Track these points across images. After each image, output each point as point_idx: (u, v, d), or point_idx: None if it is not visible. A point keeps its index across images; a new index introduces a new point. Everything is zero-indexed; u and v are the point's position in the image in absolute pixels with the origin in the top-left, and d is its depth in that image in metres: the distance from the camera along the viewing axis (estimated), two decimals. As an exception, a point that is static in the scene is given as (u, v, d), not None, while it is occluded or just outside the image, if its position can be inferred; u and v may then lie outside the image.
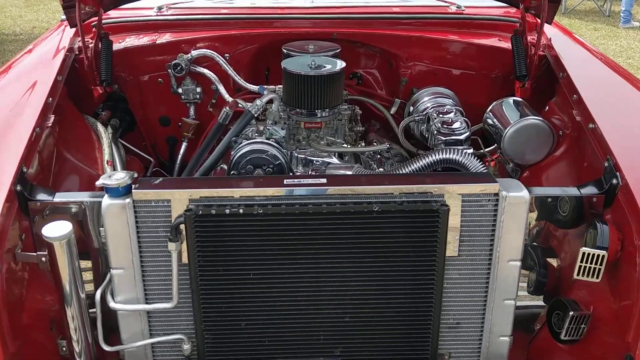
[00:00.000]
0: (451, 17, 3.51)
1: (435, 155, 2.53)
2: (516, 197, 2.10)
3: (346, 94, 3.25)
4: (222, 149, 2.60)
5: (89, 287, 2.38)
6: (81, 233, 2.27)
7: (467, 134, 2.96)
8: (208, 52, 3.30)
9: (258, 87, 2.86)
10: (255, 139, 2.54)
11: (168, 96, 3.42)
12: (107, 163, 2.99)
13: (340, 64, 2.87)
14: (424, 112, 3.23)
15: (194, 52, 3.30)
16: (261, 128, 2.78)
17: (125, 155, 3.35)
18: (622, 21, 11.29)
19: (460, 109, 3.14)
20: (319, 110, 2.83)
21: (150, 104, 3.50)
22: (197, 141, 3.47)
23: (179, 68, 3.26)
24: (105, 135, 3.13)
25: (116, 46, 3.33)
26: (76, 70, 3.14)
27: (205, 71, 3.32)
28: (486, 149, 3.18)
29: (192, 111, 3.47)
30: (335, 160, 2.87)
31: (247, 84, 3.29)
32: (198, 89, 3.40)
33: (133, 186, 2.09)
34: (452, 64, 3.44)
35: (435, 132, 2.97)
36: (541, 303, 2.53)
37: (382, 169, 2.91)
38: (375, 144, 3.18)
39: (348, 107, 3.11)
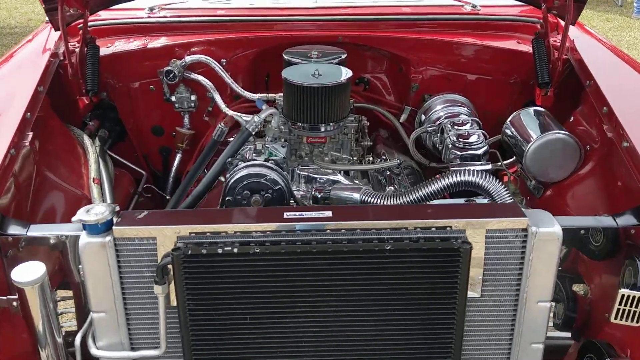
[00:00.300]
0: (466, 18, 3.24)
1: (452, 177, 2.28)
2: (547, 233, 1.85)
3: (352, 101, 3.00)
4: (216, 171, 2.36)
5: (72, 323, 2.16)
6: (62, 262, 2.04)
7: (485, 148, 2.71)
8: (203, 57, 3.05)
9: (256, 99, 2.61)
10: (252, 159, 2.29)
11: (160, 104, 3.18)
12: (94, 181, 2.75)
13: (347, 73, 2.62)
14: (437, 122, 2.99)
15: (188, 58, 3.06)
16: (259, 146, 2.54)
17: (115, 168, 3.11)
18: (635, 11, 10.95)
19: (477, 119, 2.88)
20: (323, 125, 2.59)
21: (142, 113, 3.25)
22: (192, 152, 3.24)
23: (171, 75, 3.02)
24: (92, 149, 2.89)
25: (104, 51, 3.08)
26: (60, 78, 2.90)
27: (200, 78, 3.08)
28: (504, 162, 2.93)
29: (186, 120, 3.23)
30: (340, 177, 2.62)
31: (245, 91, 3.05)
32: (193, 97, 3.16)
33: (115, 220, 1.85)
34: (466, 69, 3.18)
35: (450, 145, 2.72)
36: (568, 334, 2.30)
37: (392, 187, 2.67)
38: (383, 157, 2.94)
39: (354, 118, 2.86)
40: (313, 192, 2.51)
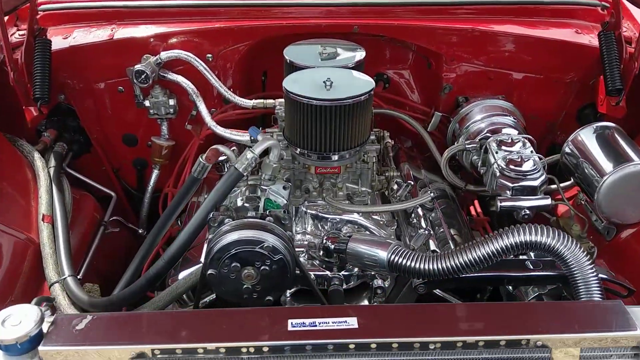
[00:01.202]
0: (511, 2, 2.59)
1: (515, 237, 1.68)
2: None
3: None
4: (193, 228, 1.76)
5: None
6: None
7: (543, 178, 2.11)
8: (182, 53, 2.42)
9: (250, 128, 1.99)
10: (243, 212, 1.69)
11: (133, 109, 2.56)
12: (44, 219, 2.16)
13: (368, 84, 2.00)
14: (478, 137, 2.38)
15: (164, 54, 2.43)
16: (253, 189, 1.92)
17: (76, 190, 2.52)
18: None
19: (529, 136, 2.27)
20: (337, 153, 1.98)
21: (110, 120, 2.64)
22: (173, 166, 2.64)
23: (143, 77, 2.39)
24: (43, 173, 2.29)
25: (59, 43, 2.45)
26: (3, 80, 2.29)
27: (180, 79, 2.46)
28: (561, 184, 2.34)
29: (164, 129, 2.61)
30: (359, 218, 2.04)
31: (236, 96, 2.43)
32: (171, 102, 2.54)
33: (46, 327, 1.29)
34: (512, 66, 2.56)
35: (498, 173, 2.12)
36: None
37: (426, 231, 2.08)
38: (410, 183, 2.33)
39: (376, 135, 2.25)
40: (324, 241, 1.92)
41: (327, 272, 1.96)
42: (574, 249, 1.68)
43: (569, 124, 2.68)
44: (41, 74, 2.30)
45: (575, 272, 1.67)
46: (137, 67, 2.39)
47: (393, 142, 2.63)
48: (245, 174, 1.78)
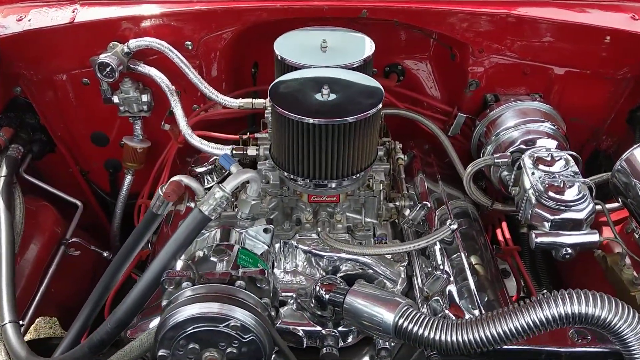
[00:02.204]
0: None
1: (558, 306, 1.30)
2: None
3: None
4: (144, 290, 1.37)
5: None
6: None
7: (590, 208, 1.70)
8: (154, 42, 2.02)
9: (222, 154, 1.58)
10: (207, 270, 1.31)
11: (101, 103, 2.17)
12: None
13: (376, 96, 1.58)
14: (510, 150, 1.97)
15: (132, 42, 2.02)
16: (224, 235, 1.52)
17: (34, 199, 2.16)
18: None
19: (575, 154, 1.86)
20: (335, 180, 1.59)
21: (75, 116, 2.26)
22: (148, 171, 2.26)
23: (108, 69, 1.99)
24: None
25: (12, 26, 2.06)
26: None
27: (153, 72, 2.06)
28: (608, 205, 1.94)
29: (137, 128, 2.23)
30: (365, 258, 1.67)
31: (219, 93, 2.02)
32: (145, 97, 2.14)
33: None
34: (552, 58, 2.13)
35: (534, 200, 1.71)
36: None
37: (444, 274, 1.69)
38: (425, 204, 1.94)
39: (385, 147, 1.85)
40: (317, 289, 1.55)
41: (320, 329, 1.60)
42: (637, 325, 1.29)
43: (617, 128, 2.26)
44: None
45: (637, 355, 1.29)
46: (101, 57, 1.99)
47: (412, 153, 2.23)
48: (212, 217, 1.39)
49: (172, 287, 1.29)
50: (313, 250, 1.69)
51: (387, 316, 1.44)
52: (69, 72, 2.14)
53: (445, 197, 2.05)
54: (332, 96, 1.57)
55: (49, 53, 2.10)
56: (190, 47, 2.08)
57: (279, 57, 1.78)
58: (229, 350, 1.24)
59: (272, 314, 1.32)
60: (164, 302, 1.30)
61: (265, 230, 1.52)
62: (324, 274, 1.73)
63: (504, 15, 2.04)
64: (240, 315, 1.22)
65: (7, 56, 2.08)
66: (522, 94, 2.18)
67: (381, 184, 1.66)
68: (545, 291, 1.99)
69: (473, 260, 1.88)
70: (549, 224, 1.71)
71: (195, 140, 1.88)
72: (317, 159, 1.55)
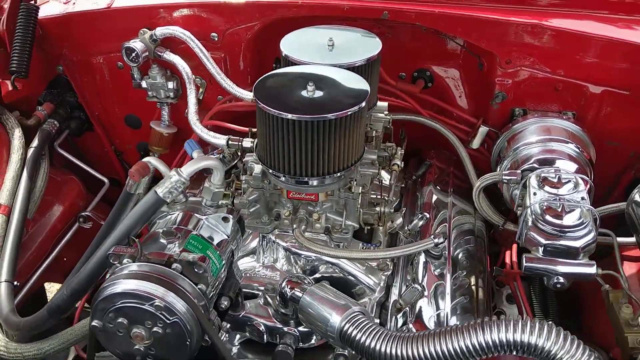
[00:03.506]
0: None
1: (496, 332, 1.22)
2: None
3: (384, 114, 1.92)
4: (97, 262, 1.42)
5: None
6: None
7: (590, 237, 1.57)
8: (178, 31, 2.08)
9: (187, 141, 1.60)
10: (151, 250, 1.33)
11: (134, 88, 2.26)
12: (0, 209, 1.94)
13: (360, 95, 1.54)
14: (522, 168, 1.87)
15: (159, 30, 2.10)
16: (184, 219, 1.54)
17: (64, 172, 2.30)
18: None
19: (586, 177, 1.72)
20: (316, 178, 1.56)
21: (111, 98, 2.37)
22: (174, 155, 2.32)
23: (133, 54, 2.08)
24: (17, 155, 2.07)
25: (54, 10, 2.20)
26: None
27: (177, 60, 2.12)
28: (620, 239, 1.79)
29: (164, 114, 2.30)
30: (343, 262, 1.64)
31: (235, 86, 2.05)
32: (170, 84, 2.21)
33: None
34: (588, 76, 1.98)
35: (530, 222, 1.61)
36: None
37: (420, 287, 1.63)
38: (425, 215, 1.87)
39: (387, 152, 1.80)
40: (283, 285, 1.54)
41: (281, 326, 1.58)
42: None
43: (660, 157, 2.07)
44: (20, 44, 2.05)
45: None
46: (129, 43, 2.08)
47: (428, 163, 2.16)
48: (168, 200, 1.41)
49: (116, 262, 1.33)
50: (291, 248, 1.68)
51: (335, 319, 1.41)
52: (105, 55, 2.25)
53: (451, 211, 1.97)
54: (318, 93, 1.55)
55: (87, 35, 2.22)
56: (215, 39, 2.12)
57: (283, 54, 1.78)
58: (154, 329, 1.25)
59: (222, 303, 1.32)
60: (108, 276, 1.34)
61: (225, 219, 1.52)
62: (301, 272, 1.72)
63: (534, 26, 1.93)
64: (166, 296, 1.24)
65: (51, 36, 2.22)
66: (553, 111, 2.05)
67: (361, 187, 1.61)
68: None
69: (472, 280, 1.79)
70: (542, 249, 1.60)
71: (197, 129, 1.92)
72: (295, 155, 1.53)
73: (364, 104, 1.52)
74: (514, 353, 1.23)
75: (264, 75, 1.63)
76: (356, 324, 1.37)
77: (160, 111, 2.30)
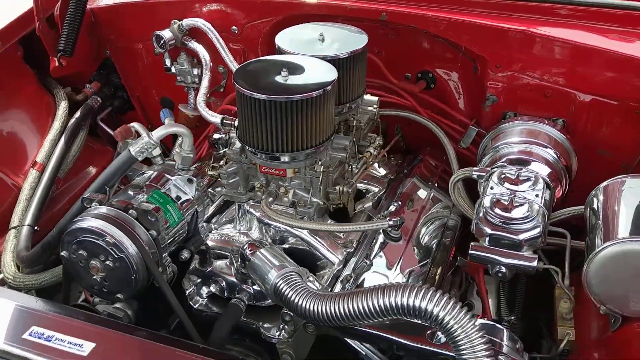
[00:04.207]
0: (596, 3, 2.03)
1: (385, 298, 1.35)
2: None
3: (378, 112, 2.07)
4: (77, 208, 1.67)
5: None
6: None
7: (535, 232, 1.65)
8: (200, 22, 2.32)
9: (162, 110, 1.82)
10: (119, 198, 1.56)
11: (165, 73, 2.53)
12: (34, 166, 2.25)
13: (327, 80, 1.71)
14: (494, 164, 1.95)
15: (185, 21, 2.35)
16: (157, 178, 1.75)
17: (97, 144, 2.60)
18: None
19: (546, 179, 1.79)
20: (287, 154, 1.74)
21: (148, 81, 2.65)
22: (198, 136, 2.57)
23: (161, 42, 2.35)
24: (58, 122, 2.38)
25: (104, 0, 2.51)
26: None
27: (199, 49, 2.37)
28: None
29: (191, 98, 2.55)
30: (304, 232, 1.80)
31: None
32: (195, 71, 2.46)
33: None
34: (577, 84, 2.03)
35: (481, 214, 1.70)
36: None
37: (367, 262, 1.76)
38: (398, 203, 2.00)
39: (350, 143, 1.93)
40: (244, 247, 1.72)
41: (239, 283, 1.77)
42: (466, 324, 1.29)
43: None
44: (69, 27, 2.37)
45: (462, 351, 1.29)
46: (159, 31, 2.35)
47: (420, 158, 2.28)
48: (139, 158, 1.64)
49: (88, 205, 1.56)
50: (263, 219, 1.86)
51: (272, 276, 1.57)
52: (145, 42, 2.53)
53: (427, 203, 2.08)
54: (291, 78, 1.73)
55: (131, 24, 2.51)
56: (235, 32, 2.35)
57: (276, 46, 1.97)
58: (106, 262, 1.48)
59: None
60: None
61: (189, 181, 1.72)
62: (269, 241, 1.89)
63: (521, 33, 2.01)
64: (118, 235, 1.46)
65: (101, 23, 2.53)
66: (544, 117, 2.10)
67: (323, 167, 1.76)
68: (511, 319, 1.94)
69: (420, 266, 1.90)
70: (488, 238, 1.69)
71: (200, 107, 2.15)
72: (266, 133, 1.71)
73: (329, 88, 1.68)
74: (408, 318, 1.35)
75: (247, 62, 1.82)
76: (288, 282, 1.53)
77: (188, 95, 2.55)
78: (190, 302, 1.80)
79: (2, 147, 2.25)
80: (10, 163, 2.24)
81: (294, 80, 1.72)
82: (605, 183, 1.74)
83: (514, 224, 1.66)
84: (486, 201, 1.71)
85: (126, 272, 1.48)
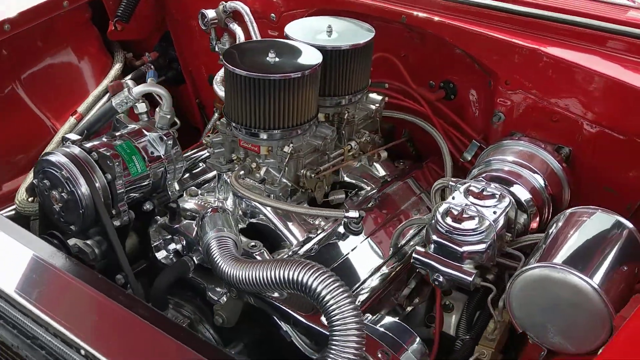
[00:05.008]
0: (620, 31, 1.92)
1: (276, 270, 1.40)
2: None
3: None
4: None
5: None
6: None
7: (478, 248, 1.62)
8: (239, 5, 2.46)
9: (150, 70, 1.93)
10: (92, 142, 1.72)
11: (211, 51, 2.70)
12: (74, 114, 2.48)
13: (309, 66, 1.78)
14: (479, 177, 1.91)
15: (229, 3, 2.49)
16: (136, 134, 1.86)
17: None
18: None
19: (512, 200, 1.73)
20: (264, 131, 1.82)
21: (200, 57, 2.84)
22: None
23: (205, 20, 2.51)
24: (106, 81, 2.62)
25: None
26: None
27: (238, 31, 2.50)
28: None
29: (229, 78, 2.70)
30: (269, 211, 1.87)
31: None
32: (234, 51, 2.60)
33: None
34: (582, 111, 1.93)
35: (434, 221, 1.69)
36: None
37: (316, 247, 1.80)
38: (373, 199, 2.01)
39: (332, 134, 1.97)
40: (207, 211, 1.81)
41: (196, 242, 1.86)
42: (341, 298, 1.32)
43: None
44: (128, -5, 2.61)
45: (335, 326, 1.32)
46: (204, 10, 2.51)
47: (422, 164, 2.27)
48: (118, 109, 1.79)
49: (65, 143, 1.74)
50: (236, 189, 1.95)
51: (209, 235, 1.66)
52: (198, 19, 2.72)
53: (412, 206, 2.08)
54: (278, 60, 1.81)
55: (187, 1, 2.70)
56: (273, 19, 2.46)
57: (285, 35, 2.05)
58: (62, 194, 1.64)
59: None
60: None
61: (160, 138, 1.84)
62: (240, 213, 1.98)
63: (532, 51, 1.95)
64: (72, 170, 1.61)
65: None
66: (550, 142, 2.02)
67: (291, 149, 1.82)
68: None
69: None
70: (433, 245, 1.67)
71: (215, 84, 2.28)
72: (245, 109, 1.81)
73: (307, 72, 1.75)
74: (292, 290, 1.39)
75: (244, 41, 1.93)
76: (219, 243, 1.61)
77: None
78: (156, 254, 1.92)
79: (51, 93, 2.51)
80: (54, 108, 2.50)
81: (280, 62, 1.81)
82: (571, 210, 1.66)
83: (459, 235, 1.63)
84: (440, 209, 1.69)
85: (76, 206, 1.64)
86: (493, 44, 2.01)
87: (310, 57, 1.84)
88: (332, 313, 1.32)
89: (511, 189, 1.85)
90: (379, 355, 1.41)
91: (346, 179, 2.18)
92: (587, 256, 1.47)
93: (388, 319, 1.60)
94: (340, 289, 1.34)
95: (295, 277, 1.37)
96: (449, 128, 2.27)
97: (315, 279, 1.35)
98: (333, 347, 1.29)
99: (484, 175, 1.90)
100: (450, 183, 1.89)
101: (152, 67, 2.82)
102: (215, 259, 1.57)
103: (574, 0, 2.05)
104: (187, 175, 2.21)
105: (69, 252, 1.79)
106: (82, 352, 1.18)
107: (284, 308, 1.55)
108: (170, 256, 1.95)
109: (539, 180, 1.89)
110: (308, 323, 1.50)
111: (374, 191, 2.13)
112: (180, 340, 1.22)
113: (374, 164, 2.24)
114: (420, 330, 1.81)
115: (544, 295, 1.42)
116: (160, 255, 1.93)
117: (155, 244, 1.92)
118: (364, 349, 1.30)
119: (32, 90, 2.45)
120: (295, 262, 1.39)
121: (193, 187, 2.05)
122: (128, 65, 2.82)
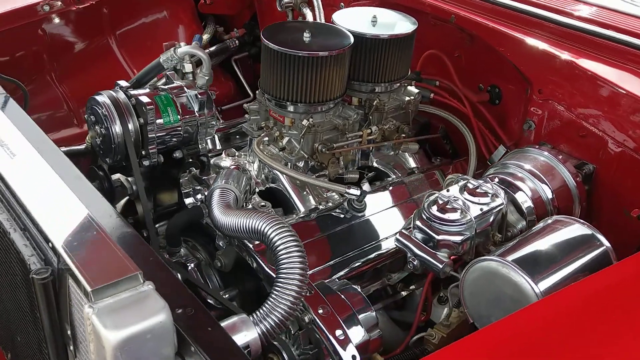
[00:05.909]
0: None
1: (246, 219, 1.56)
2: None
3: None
4: None
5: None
6: None
7: (457, 239, 1.67)
8: (305, -7, 2.62)
9: (196, 35, 2.11)
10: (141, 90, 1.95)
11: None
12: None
13: (342, 46, 1.92)
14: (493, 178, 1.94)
15: (305, -11, 2.67)
16: (179, 91, 2.04)
17: (224, 77, 3.07)
18: None
19: (504, 207, 1.76)
20: (291, 103, 1.98)
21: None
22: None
23: (281, 2, 2.70)
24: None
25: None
26: None
27: (308, 16, 2.65)
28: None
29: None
30: (284, 179, 2.02)
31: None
32: (306, 35, 2.77)
33: None
34: (608, 129, 1.90)
35: (423, 209, 1.76)
36: None
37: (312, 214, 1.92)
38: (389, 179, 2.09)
39: (355, 116, 2.07)
40: (231, 168, 1.99)
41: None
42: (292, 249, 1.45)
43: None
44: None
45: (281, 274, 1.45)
46: (280, -6, 2.71)
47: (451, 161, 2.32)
48: (165, 66, 2.02)
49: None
50: (255, 152, 2.10)
51: (215, 185, 1.84)
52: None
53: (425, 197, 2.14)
54: (311, 40, 1.96)
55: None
56: (342, 8, 2.60)
57: (332, 20, 2.18)
58: (102, 129, 1.90)
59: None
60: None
61: (196, 96, 2.03)
62: (263, 177, 2.14)
63: (566, 62, 1.94)
64: (110, 109, 1.86)
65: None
66: (576, 157, 1.99)
67: (308, 123, 1.96)
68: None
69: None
70: (415, 231, 1.74)
71: None
72: (275, 81, 1.97)
73: (334, 52, 1.89)
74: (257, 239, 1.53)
75: (285, 21, 2.08)
76: (221, 192, 1.79)
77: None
78: (185, 199, 2.13)
79: (138, 50, 2.80)
80: (139, 62, 2.75)
81: (311, 41, 1.95)
82: (557, 217, 1.66)
83: (438, 223, 1.69)
84: (431, 197, 1.76)
85: (110, 141, 1.89)
86: (531, 51, 2.02)
87: (342, 41, 1.97)
88: (280, 259, 1.45)
89: (515, 194, 1.87)
90: (320, 311, 1.51)
91: (375, 164, 2.28)
92: (546, 261, 1.48)
93: (350, 286, 1.69)
94: (294, 242, 1.46)
95: (256, 226, 1.52)
96: (486, 131, 2.29)
97: (272, 229, 1.49)
98: (274, 291, 1.43)
99: (494, 175, 1.93)
100: (459, 179, 1.94)
101: (236, 42, 3.06)
102: (211, 205, 1.75)
103: (621, 17, 2.00)
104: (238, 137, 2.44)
105: (110, 184, 2.05)
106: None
107: (254, 255, 1.69)
108: (198, 204, 2.16)
109: (546, 192, 1.88)
110: (268, 271, 1.63)
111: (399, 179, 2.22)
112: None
113: (406, 155, 2.31)
114: (411, 315, 1.88)
115: (490, 289, 1.46)
116: (188, 201, 2.14)
117: (185, 191, 2.14)
118: (303, 298, 1.42)
119: (123, 45, 2.76)
120: (260, 214, 1.54)
121: (232, 149, 2.25)
122: (218, 38, 3.09)
